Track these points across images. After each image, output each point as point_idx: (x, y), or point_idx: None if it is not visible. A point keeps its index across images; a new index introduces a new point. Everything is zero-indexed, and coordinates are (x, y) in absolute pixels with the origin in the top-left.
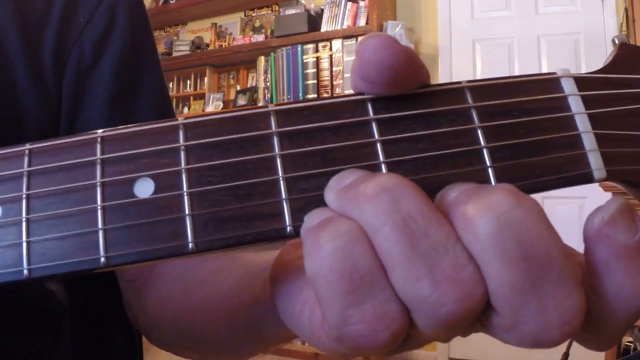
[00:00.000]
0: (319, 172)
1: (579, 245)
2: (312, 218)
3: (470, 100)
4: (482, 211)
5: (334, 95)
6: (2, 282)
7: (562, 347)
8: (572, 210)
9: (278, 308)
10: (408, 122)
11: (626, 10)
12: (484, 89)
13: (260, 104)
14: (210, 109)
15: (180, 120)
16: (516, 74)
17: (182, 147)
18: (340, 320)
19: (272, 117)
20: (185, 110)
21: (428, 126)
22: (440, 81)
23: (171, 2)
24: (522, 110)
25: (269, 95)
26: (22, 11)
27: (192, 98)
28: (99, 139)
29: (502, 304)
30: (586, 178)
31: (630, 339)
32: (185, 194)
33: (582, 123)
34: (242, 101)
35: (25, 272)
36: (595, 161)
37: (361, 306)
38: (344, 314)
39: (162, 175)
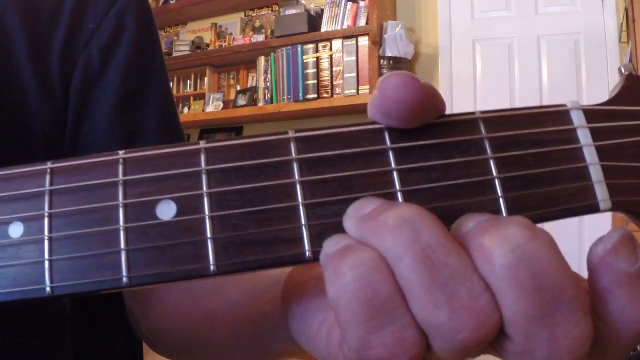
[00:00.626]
0: (337, 199)
1: (578, 253)
2: (331, 245)
3: (483, 131)
4: (499, 243)
5: (334, 94)
6: (24, 299)
7: None
8: (572, 220)
9: (291, 326)
10: (423, 151)
11: (626, 10)
12: (497, 120)
13: (260, 104)
14: (210, 109)
15: (202, 143)
16: (516, 74)
17: (204, 171)
18: (360, 345)
19: (292, 143)
20: (185, 110)
21: (442, 156)
22: (440, 81)
23: (171, 2)
24: (533, 141)
25: (269, 95)
26: (31, 16)
27: (192, 98)
28: (121, 160)
29: (515, 332)
30: (592, 209)
31: None
32: (207, 217)
33: (590, 155)
34: (242, 101)
35: (48, 289)
36: (601, 193)
37: (381, 332)
38: (365, 338)
39: (184, 198)
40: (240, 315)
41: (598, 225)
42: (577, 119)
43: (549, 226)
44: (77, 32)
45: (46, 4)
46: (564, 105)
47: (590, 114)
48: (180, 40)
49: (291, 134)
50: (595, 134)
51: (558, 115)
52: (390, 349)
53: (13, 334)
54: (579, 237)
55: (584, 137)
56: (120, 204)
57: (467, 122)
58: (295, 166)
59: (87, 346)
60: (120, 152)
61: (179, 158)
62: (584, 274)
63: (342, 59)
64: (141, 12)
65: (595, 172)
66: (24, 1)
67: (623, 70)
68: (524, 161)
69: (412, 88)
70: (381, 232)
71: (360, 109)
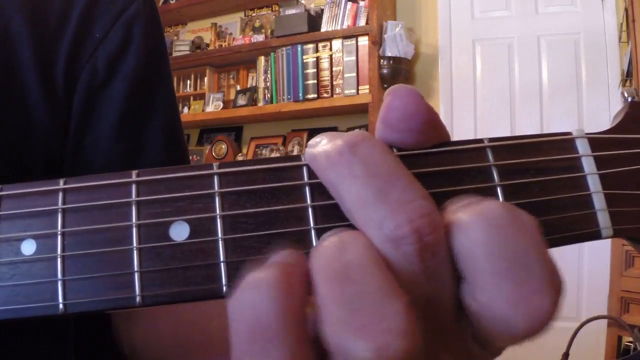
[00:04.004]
0: (348, 223)
1: (579, 244)
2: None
3: (491, 159)
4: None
5: (334, 94)
6: (37, 315)
7: (562, 347)
8: None
9: None
10: (434, 178)
11: (626, 10)
12: (504, 148)
13: (260, 104)
14: (210, 109)
15: (215, 167)
16: (516, 74)
17: (217, 193)
18: None
19: (305, 168)
20: (186, 110)
21: (452, 183)
22: (440, 81)
23: (171, 2)
24: (538, 169)
25: (269, 96)
26: (38, 23)
27: (192, 98)
28: (134, 180)
29: (478, 285)
30: (595, 236)
31: (630, 339)
32: (220, 239)
33: (593, 183)
34: (242, 101)
35: (61, 307)
36: (603, 220)
37: (257, 358)
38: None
39: (198, 220)
40: (214, 352)
41: None
42: (582, 147)
43: None
44: (84, 42)
45: (53, 11)
46: (569, 133)
47: (595, 142)
48: (180, 40)
49: (304, 161)
50: (599, 162)
51: (563, 143)
52: None
53: (14, 334)
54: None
55: (588, 165)
56: (134, 225)
57: (476, 150)
58: (307, 191)
59: (88, 347)
60: (134, 172)
61: (193, 180)
62: (585, 280)
63: (342, 59)
64: (149, 23)
65: (599, 200)
66: (31, 8)
67: (626, 96)
68: (530, 189)
69: (415, 99)
70: (316, 253)
71: (360, 109)
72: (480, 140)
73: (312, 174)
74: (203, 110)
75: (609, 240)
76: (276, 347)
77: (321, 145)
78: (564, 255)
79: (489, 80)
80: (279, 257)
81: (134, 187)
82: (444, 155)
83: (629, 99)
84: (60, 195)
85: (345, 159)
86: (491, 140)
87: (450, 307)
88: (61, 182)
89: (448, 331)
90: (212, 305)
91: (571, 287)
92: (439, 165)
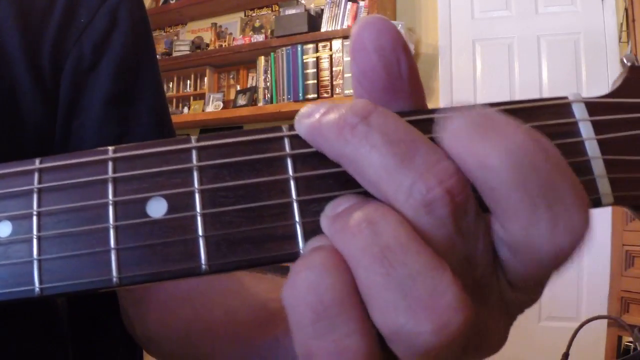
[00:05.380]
0: (332, 194)
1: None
2: (307, 246)
3: None
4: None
5: (334, 94)
6: (13, 299)
7: (562, 347)
8: None
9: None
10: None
11: (626, 10)
12: None
13: (260, 104)
14: (210, 109)
15: (193, 140)
16: (516, 74)
17: (196, 167)
18: (304, 351)
19: (287, 139)
20: (185, 110)
21: None
22: (440, 81)
23: (171, 2)
24: None
25: (269, 95)
26: (24, 11)
27: (192, 98)
28: (110, 157)
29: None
30: (594, 203)
31: (630, 339)
32: (198, 214)
33: (592, 149)
34: (242, 101)
35: (37, 289)
36: (603, 187)
37: (323, 338)
38: (307, 344)
39: (175, 195)
40: (250, 337)
41: (598, 215)
42: (579, 111)
43: None
44: (69, 27)
45: None
46: (565, 97)
47: (592, 106)
48: (180, 40)
49: (285, 131)
50: (597, 127)
51: (559, 108)
52: (332, 357)
53: (12, 335)
54: None
55: (586, 130)
56: (110, 202)
57: None
58: (289, 162)
59: (86, 347)
60: (110, 148)
61: (171, 155)
62: (585, 281)
63: (342, 59)
64: (134, 7)
65: (597, 166)
66: None
67: (625, 61)
68: None
69: (382, 20)
70: (344, 234)
71: None
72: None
73: (293, 145)
74: (203, 110)
75: (609, 240)
76: (343, 323)
77: (323, 116)
78: None
79: (489, 80)
80: (315, 242)
81: (110, 164)
82: (434, 123)
83: (628, 64)
84: (37, 175)
85: (360, 130)
86: (485, 105)
87: (486, 261)
88: (37, 161)
89: (486, 286)
90: (231, 283)
91: (571, 287)
92: (429, 133)
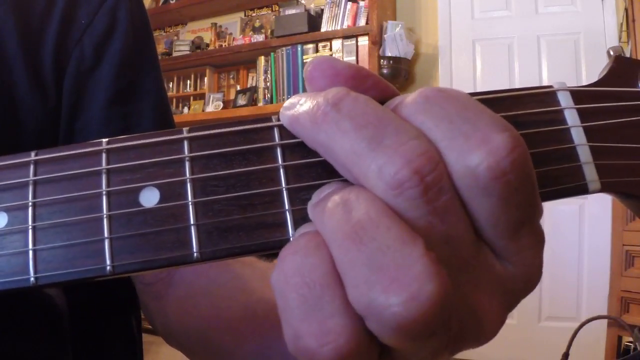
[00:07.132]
0: (320, 182)
1: (579, 245)
2: (296, 233)
3: None
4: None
5: None
6: (8, 289)
7: (562, 347)
8: (572, 210)
9: None
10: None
11: (626, 10)
12: (485, 103)
13: (260, 104)
14: (210, 109)
15: (185, 131)
16: (516, 74)
17: (187, 158)
18: (292, 334)
19: (276, 129)
20: (186, 110)
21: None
22: (440, 81)
23: (171, 2)
24: (520, 123)
25: (269, 95)
26: (23, 12)
27: (192, 98)
28: (104, 149)
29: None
30: (581, 190)
31: (630, 339)
32: (190, 203)
33: (578, 136)
34: (242, 101)
35: (32, 279)
36: (589, 173)
37: (309, 320)
38: (294, 326)
39: (168, 184)
40: (272, 337)
41: (598, 215)
42: (564, 100)
43: (549, 218)
44: (70, 28)
45: (38, 0)
46: (550, 86)
47: (578, 95)
48: (180, 40)
49: (275, 122)
50: (583, 115)
51: (545, 96)
52: (317, 338)
53: (12, 335)
54: (579, 229)
55: (572, 118)
56: (104, 192)
57: None
58: (278, 151)
59: (86, 347)
60: (103, 140)
61: (163, 146)
62: (585, 281)
63: (342, 59)
64: (134, 9)
65: (584, 153)
66: None
67: (612, 53)
68: None
69: (330, 61)
70: (322, 216)
71: None
72: None
73: (283, 135)
74: (203, 110)
75: (609, 240)
76: (327, 303)
77: (300, 106)
78: (564, 255)
79: (489, 80)
80: (303, 229)
81: (104, 155)
82: None
83: (614, 55)
84: (32, 167)
85: (331, 117)
86: (471, 95)
87: (469, 240)
88: (32, 154)
89: (473, 264)
90: (250, 280)
91: (571, 287)
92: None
